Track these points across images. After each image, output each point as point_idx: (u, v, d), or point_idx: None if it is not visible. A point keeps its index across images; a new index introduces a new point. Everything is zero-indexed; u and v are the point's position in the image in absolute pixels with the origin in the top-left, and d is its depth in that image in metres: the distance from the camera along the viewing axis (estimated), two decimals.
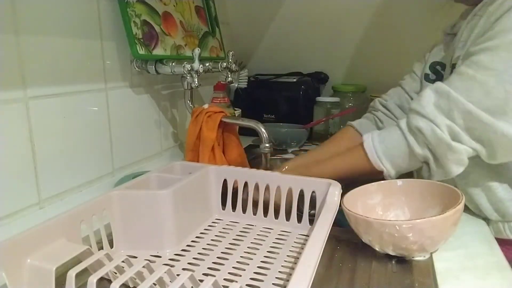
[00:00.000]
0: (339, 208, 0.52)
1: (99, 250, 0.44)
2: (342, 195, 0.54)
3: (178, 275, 0.36)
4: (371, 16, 1.16)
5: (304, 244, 0.52)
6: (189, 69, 0.76)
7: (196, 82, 0.77)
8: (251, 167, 0.78)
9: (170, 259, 0.50)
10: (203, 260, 0.50)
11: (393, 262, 0.50)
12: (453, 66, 0.63)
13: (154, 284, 0.37)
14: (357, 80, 1.26)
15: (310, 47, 1.28)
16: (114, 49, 0.73)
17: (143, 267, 0.38)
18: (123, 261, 0.39)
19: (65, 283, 0.35)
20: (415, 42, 1.09)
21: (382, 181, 0.60)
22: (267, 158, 0.75)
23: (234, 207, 0.62)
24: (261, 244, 0.53)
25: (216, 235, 0.57)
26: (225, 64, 0.83)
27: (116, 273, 0.41)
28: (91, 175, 0.70)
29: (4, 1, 0.52)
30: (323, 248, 0.40)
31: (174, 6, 0.85)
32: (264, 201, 0.59)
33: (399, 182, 0.59)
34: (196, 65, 0.76)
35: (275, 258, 0.50)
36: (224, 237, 0.56)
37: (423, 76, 0.75)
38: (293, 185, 0.57)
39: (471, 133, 0.53)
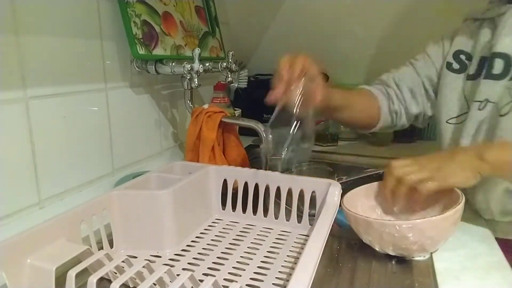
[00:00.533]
0: (339, 208, 0.52)
1: (99, 250, 0.44)
2: (342, 195, 0.55)
3: (178, 275, 0.36)
4: (371, 16, 1.16)
5: (304, 244, 0.52)
6: (189, 69, 0.76)
7: (196, 82, 0.77)
8: (251, 167, 0.78)
9: (170, 259, 0.50)
10: (203, 260, 0.50)
11: (393, 262, 0.50)
12: (494, 56, 0.60)
13: (154, 284, 0.37)
14: (357, 80, 1.25)
15: (310, 47, 1.28)
16: (114, 49, 0.73)
17: (143, 267, 0.38)
18: (123, 261, 0.39)
19: (65, 283, 0.35)
20: (416, 42, 1.09)
21: (382, 181, 0.60)
22: (267, 158, 0.74)
23: (234, 207, 0.62)
24: (261, 244, 0.53)
25: (216, 235, 0.57)
26: (225, 64, 0.83)
27: (116, 273, 0.41)
28: (91, 175, 0.70)
29: (4, 1, 0.52)
30: (323, 248, 0.40)
31: (174, 6, 0.85)
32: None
33: None
34: (196, 65, 0.76)
35: (275, 258, 0.50)
36: (224, 237, 0.56)
37: (444, 65, 0.70)
38: (293, 185, 0.57)
39: None
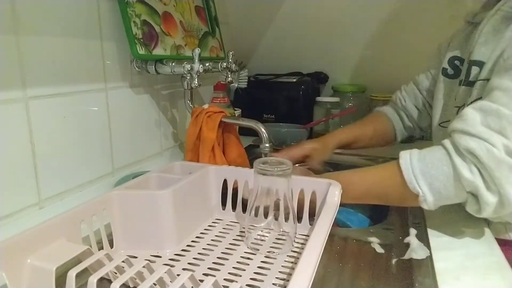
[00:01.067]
0: (339, 208, 0.52)
1: (99, 250, 0.44)
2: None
3: (178, 275, 0.36)
4: (371, 16, 1.16)
5: (304, 244, 0.52)
6: (189, 69, 0.76)
7: (196, 82, 0.77)
8: (251, 167, 0.78)
9: (170, 259, 0.50)
10: (203, 260, 0.50)
11: (393, 262, 0.50)
12: (471, 63, 0.61)
13: (154, 284, 0.37)
14: (357, 80, 1.26)
15: (310, 47, 1.28)
16: (114, 49, 0.73)
17: (143, 267, 0.38)
18: (123, 261, 0.39)
19: (65, 283, 0.35)
20: (416, 42, 1.10)
21: None
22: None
23: (234, 207, 0.62)
24: (261, 245, 0.53)
25: (216, 235, 0.57)
26: (225, 64, 0.83)
27: (116, 273, 0.41)
28: (91, 175, 0.70)
29: (4, 1, 0.52)
30: (323, 248, 0.40)
31: (174, 6, 0.85)
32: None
33: None
34: (196, 65, 0.76)
35: (275, 258, 0.50)
36: (224, 237, 0.56)
37: (440, 71, 0.72)
38: (293, 185, 0.57)
39: None
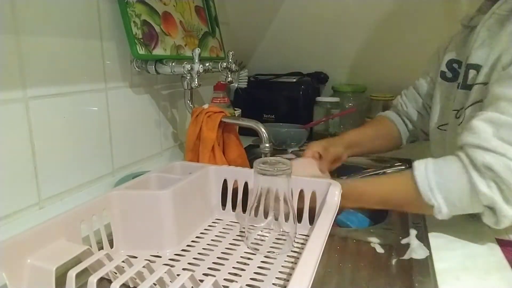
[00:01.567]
0: (339, 208, 0.52)
1: (99, 250, 0.44)
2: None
3: (178, 275, 0.36)
4: (371, 16, 1.16)
5: (304, 244, 0.52)
6: (189, 69, 0.76)
7: (196, 82, 0.77)
8: (251, 167, 0.78)
9: (170, 259, 0.50)
10: (203, 260, 0.50)
11: (393, 262, 0.50)
12: (469, 67, 0.61)
13: (154, 284, 0.37)
14: (357, 80, 1.26)
15: (310, 47, 1.28)
16: (114, 49, 0.73)
17: (143, 267, 0.38)
18: (123, 261, 0.39)
19: (65, 283, 0.35)
20: (416, 42, 1.10)
21: None
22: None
23: (234, 207, 0.62)
24: (261, 245, 0.53)
25: (216, 235, 0.57)
26: (225, 64, 0.83)
27: (116, 273, 0.41)
28: (91, 175, 0.70)
29: (4, 1, 0.52)
30: (323, 248, 0.40)
31: (174, 6, 0.85)
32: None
33: None
34: (196, 65, 0.76)
35: (275, 258, 0.50)
36: (224, 237, 0.56)
37: (438, 74, 0.72)
38: (293, 185, 0.57)
39: None
